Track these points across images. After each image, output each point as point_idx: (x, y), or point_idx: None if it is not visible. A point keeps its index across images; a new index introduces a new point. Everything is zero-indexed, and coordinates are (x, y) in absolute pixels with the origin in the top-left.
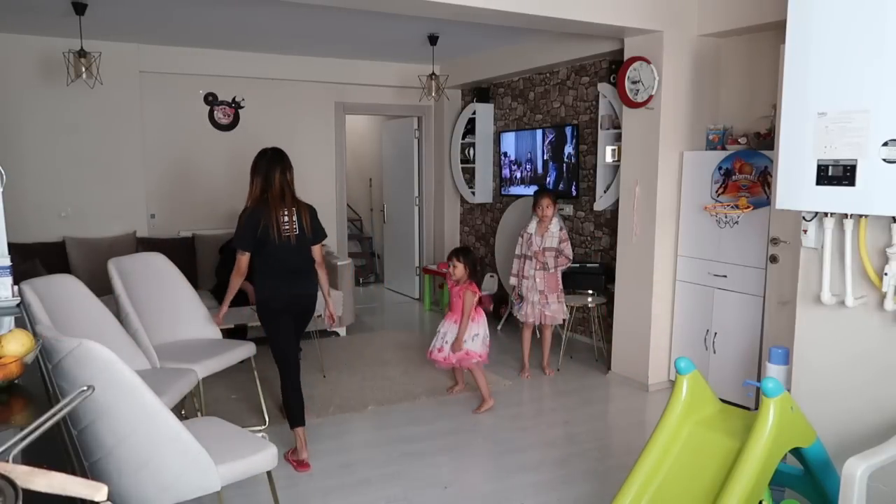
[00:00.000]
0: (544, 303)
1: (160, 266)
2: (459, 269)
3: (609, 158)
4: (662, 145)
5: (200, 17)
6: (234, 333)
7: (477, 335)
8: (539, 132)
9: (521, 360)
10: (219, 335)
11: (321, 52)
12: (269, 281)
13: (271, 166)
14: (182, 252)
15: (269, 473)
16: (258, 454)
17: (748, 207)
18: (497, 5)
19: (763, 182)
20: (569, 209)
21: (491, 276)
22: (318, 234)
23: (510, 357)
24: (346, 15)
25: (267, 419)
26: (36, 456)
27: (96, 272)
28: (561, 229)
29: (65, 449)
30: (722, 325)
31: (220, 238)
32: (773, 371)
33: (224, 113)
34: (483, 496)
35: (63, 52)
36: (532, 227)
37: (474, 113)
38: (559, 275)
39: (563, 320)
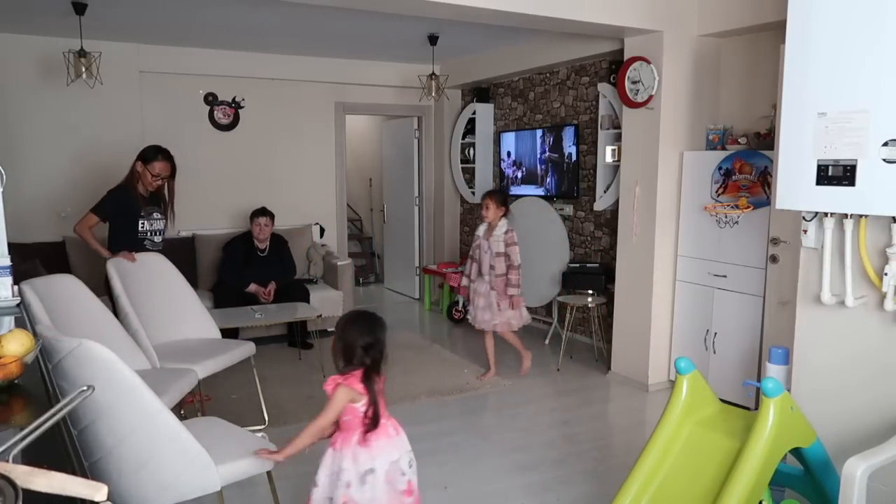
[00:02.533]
0: (496, 311)
1: (159, 266)
2: (337, 351)
3: (609, 158)
4: (662, 145)
5: (200, 17)
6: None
7: (372, 471)
8: (539, 132)
9: (487, 363)
10: (218, 335)
11: (321, 52)
12: None
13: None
14: (182, 252)
15: (269, 473)
16: None
17: (748, 207)
18: (497, 5)
19: (763, 182)
20: (569, 209)
21: None
22: None
23: (510, 357)
24: (346, 15)
25: (266, 419)
26: (36, 456)
27: (96, 272)
28: (507, 232)
29: (65, 449)
30: (722, 325)
31: (220, 238)
32: (773, 371)
33: (224, 113)
34: (483, 496)
35: (63, 52)
36: (481, 229)
37: (474, 113)
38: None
39: (524, 324)
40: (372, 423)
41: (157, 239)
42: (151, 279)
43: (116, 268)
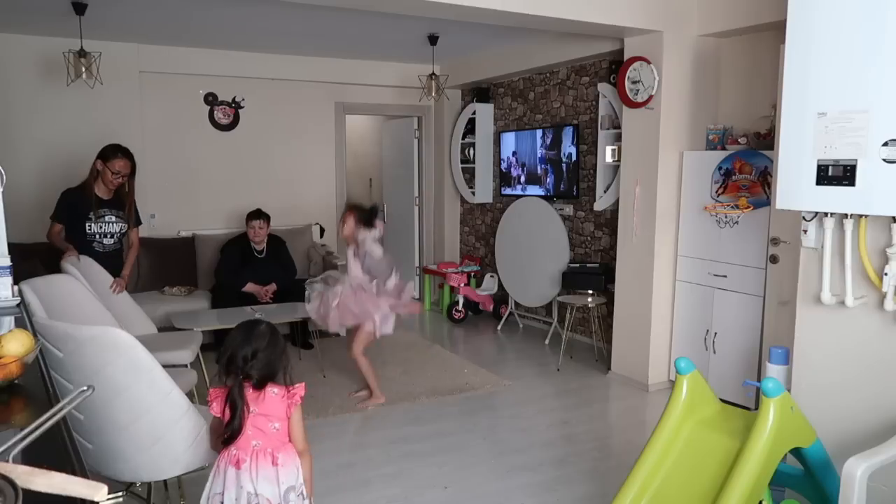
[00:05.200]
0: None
1: (93, 270)
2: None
3: (609, 158)
4: (662, 145)
5: (200, 17)
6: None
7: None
8: (539, 132)
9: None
10: (154, 329)
11: (321, 52)
12: None
13: None
14: (182, 252)
15: None
16: None
17: (748, 207)
18: (497, 5)
19: (763, 182)
20: (569, 209)
21: (491, 277)
22: None
23: (510, 357)
24: (346, 15)
25: None
26: (36, 456)
27: None
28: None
29: (65, 449)
30: (722, 325)
31: (220, 238)
32: (773, 371)
33: (224, 113)
34: (483, 496)
35: (63, 52)
36: (349, 253)
37: (474, 113)
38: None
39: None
40: (229, 436)
41: (108, 241)
42: (94, 283)
43: (72, 272)
